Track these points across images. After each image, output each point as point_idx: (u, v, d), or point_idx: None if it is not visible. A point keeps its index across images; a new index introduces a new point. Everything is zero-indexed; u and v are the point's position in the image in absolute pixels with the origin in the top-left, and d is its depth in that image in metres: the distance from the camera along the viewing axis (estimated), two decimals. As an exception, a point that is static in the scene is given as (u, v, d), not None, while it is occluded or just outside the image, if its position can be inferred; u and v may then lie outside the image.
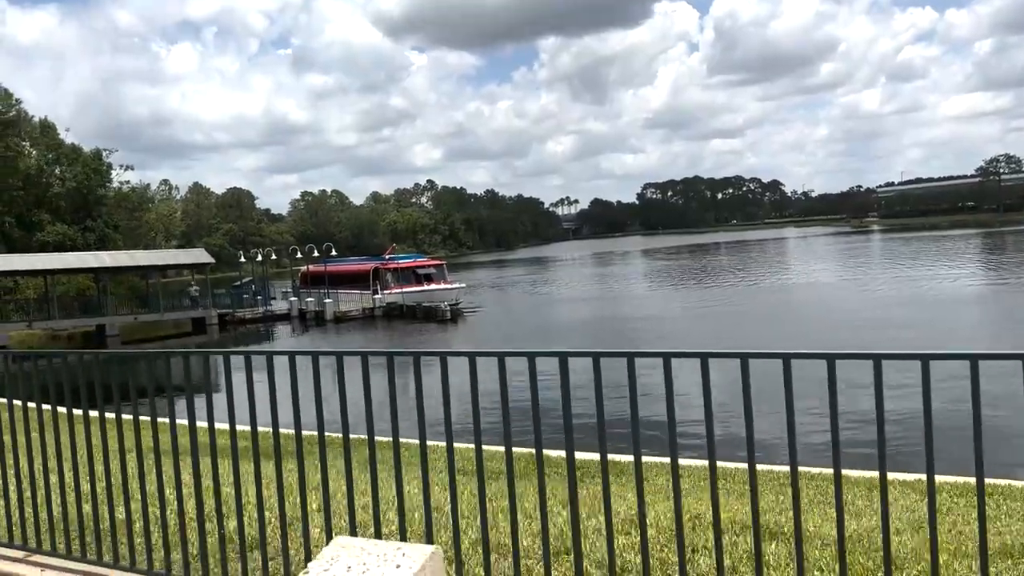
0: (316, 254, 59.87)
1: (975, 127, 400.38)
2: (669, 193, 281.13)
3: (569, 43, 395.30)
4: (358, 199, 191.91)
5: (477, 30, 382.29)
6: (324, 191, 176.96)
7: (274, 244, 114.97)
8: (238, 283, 63.53)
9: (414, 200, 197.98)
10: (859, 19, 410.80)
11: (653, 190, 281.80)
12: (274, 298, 58.62)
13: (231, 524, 4.58)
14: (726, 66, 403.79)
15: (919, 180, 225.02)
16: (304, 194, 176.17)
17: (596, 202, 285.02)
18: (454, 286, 52.86)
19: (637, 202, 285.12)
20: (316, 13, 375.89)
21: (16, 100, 59.35)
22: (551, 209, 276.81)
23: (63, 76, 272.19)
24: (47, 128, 65.42)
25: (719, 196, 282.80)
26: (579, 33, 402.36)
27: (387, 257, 58.60)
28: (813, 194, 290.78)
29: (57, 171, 65.97)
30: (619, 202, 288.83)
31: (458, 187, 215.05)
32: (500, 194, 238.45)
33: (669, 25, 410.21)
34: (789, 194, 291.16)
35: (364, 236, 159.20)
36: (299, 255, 59.04)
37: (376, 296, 52.58)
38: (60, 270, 50.48)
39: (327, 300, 52.32)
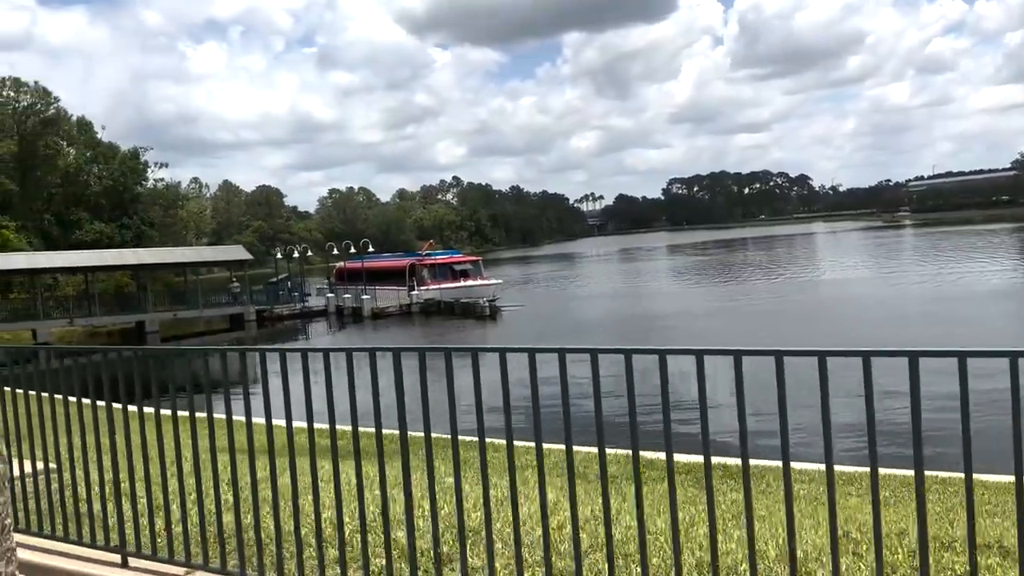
0: (353, 250, 59.87)
1: (1006, 120, 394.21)
2: (695, 188, 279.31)
3: (592, 38, 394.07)
4: (383, 196, 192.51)
5: (500, 27, 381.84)
6: (352, 188, 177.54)
7: (302, 241, 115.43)
8: (273, 280, 63.71)
9: (440, 197, 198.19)
10: (886, 11, 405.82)
11: (679, 185, 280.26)
12: (308, 294, 58.77)
13: (399, 534, 4.20)
14: (751, 60, 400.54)
15: (951, 174, 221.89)
16: (332, 191, 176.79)
17: (621, 198, 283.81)
18: (491, 282, 52.64)
19: (662, 198, 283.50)
20: (340, 11, 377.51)
21: (54, 98, 59.86)
22: (576, 205, 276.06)
23: (93, 76, 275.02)
24: (84, 127, 65.96)
25: (746, 191, 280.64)
26: (602, 28, 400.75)
27: (423, 253, 58.49)
28: (841, 189, 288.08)
29: (95, 169, 66.54)
30: (644, 198, 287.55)
31: (483, 183, 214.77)
32: (525, 190, 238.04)
33: (693, 19, 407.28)
34: (817, 189, 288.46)
35: (391, 233, 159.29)
36: (335, 251, 59.02)
37: (413, 292, 52.47)
38: (100, 267, 50.85)
39: (364, 296, 52.31)
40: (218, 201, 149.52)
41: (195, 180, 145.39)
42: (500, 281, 53.72)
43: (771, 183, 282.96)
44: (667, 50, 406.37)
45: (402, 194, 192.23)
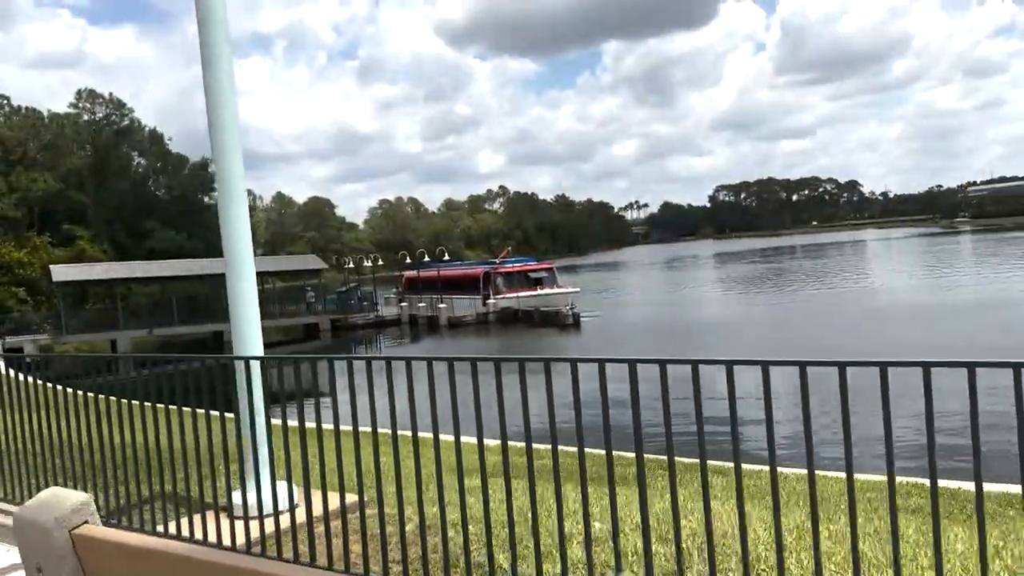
0: (427, 259, 59.25)
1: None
2: (742, 195, 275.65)
3: (633, 46, 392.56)
4: (427, 206, 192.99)
5: (538, 37, 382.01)
6: (400, 198, 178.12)
7: (353, 252, 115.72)
8: (342, 289, 63.36)
9: (487, 206, 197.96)
10: (933, 14, 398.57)
11: (725, 192, 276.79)
12: (377, 304, 58.23)
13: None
14: (794, 65, 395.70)
15: (1008, 178, 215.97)
16: (382, 202, 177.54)
17: (666, 206, 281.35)
18: (569, 290, 51.51)
19: (708, 205, 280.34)
20: (381, 24, 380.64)
21: (128, 109, 60.23)
22: (620, 213, 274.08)
23: (142, 91, 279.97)
24: (156, 138, 66.32)
25: (794, 198, 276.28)
26: (643, 36, 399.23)
27: (499, 261, 57.58)
28: (891, 194, 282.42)
29: (163, 179, 66.91)
30: (690, 205, 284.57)
31: (529, 192, 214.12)
32: (570, 199, 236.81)
33: (735, 25, 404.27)
34: (867, 194, 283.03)
35: (440, 242, 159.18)
36: (408, 260, 58.46)
37: (490, 301, 51.53)
38: (178, 276, 50.76)
39: (441, 305, 51.54)
40: (271, 212, 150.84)
41: (249, 192, 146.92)
42: (578, 289, 52.56)
43: (820, 189, 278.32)
44: (709, 57, 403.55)
45: (449, 203, 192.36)
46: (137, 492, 5.60)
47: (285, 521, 5.05)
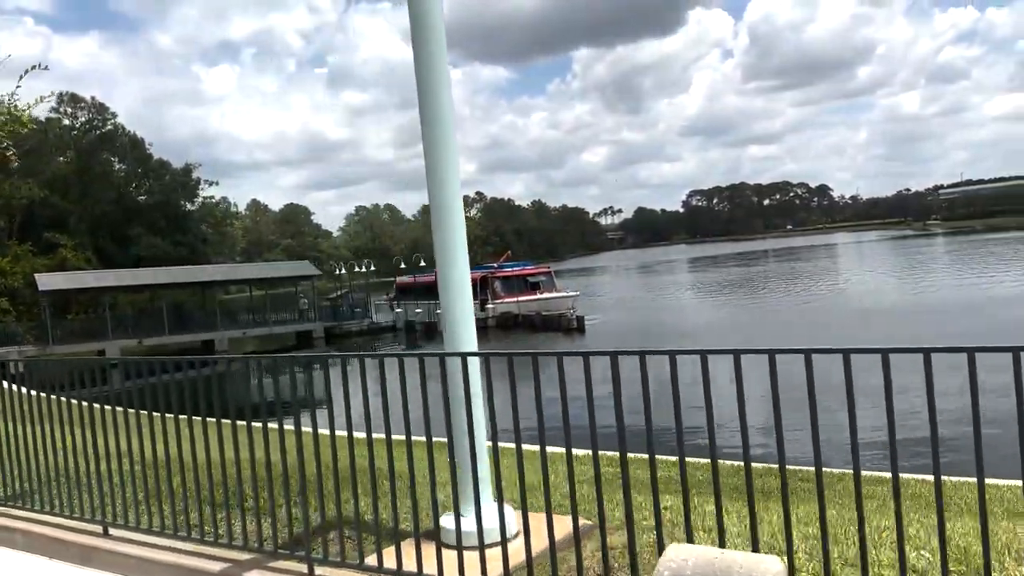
0: (423, 264, 58.35)
1: (1022, 127, 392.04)
2: (715, 200, 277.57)
3: (602, 53, 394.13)
4: (405, 213, 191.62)
5: (509, 44, 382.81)
6: (377, 205, 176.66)
7: (330, 258, 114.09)
8: (332, 296, 62.21)
9: (464, 212, 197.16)
10: (897, 20, 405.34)
11: (698, 198, 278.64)
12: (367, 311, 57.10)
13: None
14: (762, 72, 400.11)
15: (975, 181, 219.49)
16: (358, 208, 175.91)
17: (640, 211, 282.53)
18: (569, 294, 50.90)
19: (681, 210, 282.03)
20: (351, 31, 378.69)
21: (111, 114, 58.59)
22: (595, 219, 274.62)
23: (109, 99, 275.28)
24: (136, 143, 64.72)
25: (765, 202, 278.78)
26: (612, 43, 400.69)
27: (496, 265, 56.82)
28: (860, 198, 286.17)
29: (147, 185, 65.36)
30: (663, 210, 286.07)
31: (506, 199, 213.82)
32: (546, 204, 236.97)
33: (703, 32, 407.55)
34: (836, 199, 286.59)
35: (419, 249, 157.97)
36: (403, 266, 57.55)
37: (488, 306, 50.71)
38: (169, 284, 49.39)
39: (439, 311, 50.49)
40: (246, 220, 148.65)
41: (224, 199, 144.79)
42: (578, 293, 51.94)
43: (791, 194, 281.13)
44: (678, 63, 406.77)
45: (426, 210, 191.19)
46: (304, 518, 4.82)
47: (511, 552, 4.27)
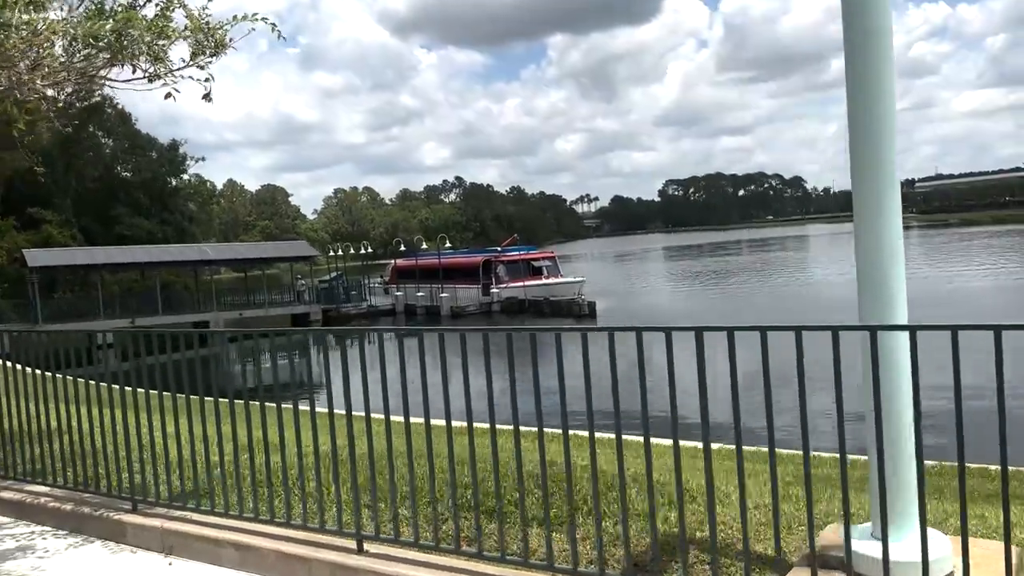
0: (424, 246, 56.97)
1: (990, 123, 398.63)
2: (691, 190, 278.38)
3: (577, 40, 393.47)
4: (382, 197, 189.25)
5: (484, 28, 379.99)
6: (355, 188, 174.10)
7: (312, 242, 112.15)
8: (326, 278, 60.54)
9: (441, 197, 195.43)
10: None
11: (675, 187, 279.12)
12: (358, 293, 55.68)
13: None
14: (736, 63, 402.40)
15: (945, 176, 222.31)
16: (336, 191, 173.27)
17: (616, 199, 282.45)
18: (576, 279, 49.86)
19: (658, 199, 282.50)
20: (323, 11, 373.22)
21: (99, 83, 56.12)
22: (571, 207, 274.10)
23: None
24: (124, 117, 62.34)
25: (740, 193, 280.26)
26: (587, 30, 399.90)
27: (501, 249, 55.58)
28: (832, 191, 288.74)
29: (132, 161, 63.09)
30: (639, 199, 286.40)
31: (485, 184, 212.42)
32: (524, 190, 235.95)
33: (678, 22, 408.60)
34: (810, 190, 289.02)
35: (398, 233, 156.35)
36: (402, 247, 56.18)
37: (493, 290, 49.52)
38: (164, 263, 47.53)
39: (443, 294, 49.33)
40: (219, 199, 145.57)
41: (198, 176, 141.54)
42: (584, 279, 50.88)
43: (765, 185, 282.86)
44: (652, 53, 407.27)
45: (405, 194, 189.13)
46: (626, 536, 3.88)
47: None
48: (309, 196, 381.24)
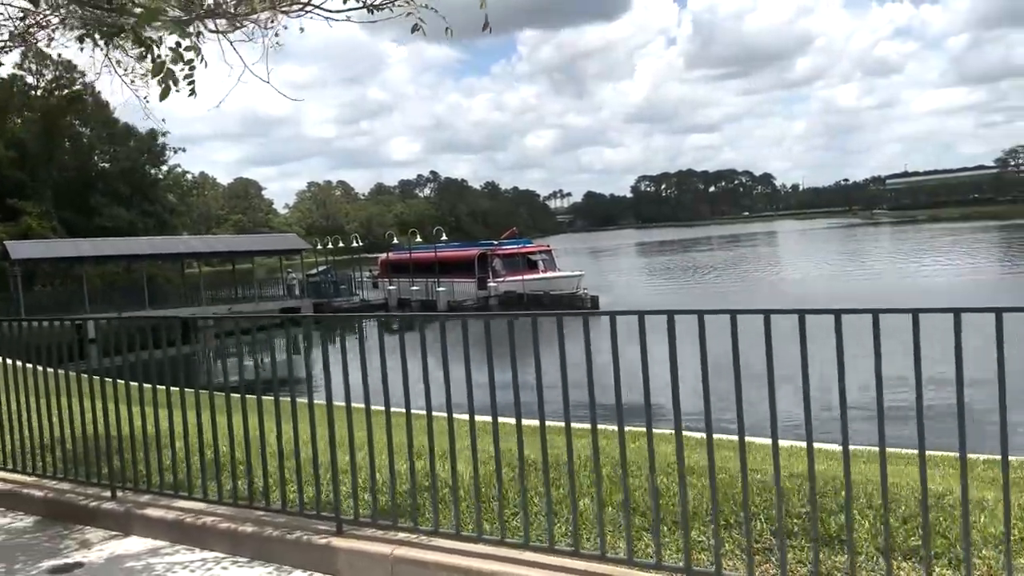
0: (419, 239, 55.92)
1: (952, 121, 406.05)
2: (663, 186, 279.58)
3: (548, 36, 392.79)
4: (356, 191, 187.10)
5: (454, 22, 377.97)
6: (329, 182, 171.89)
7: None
8: (313, 272, 59.23)
9: (416, 191, 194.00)
10: (836, 13, 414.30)
11: (647, 183, 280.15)
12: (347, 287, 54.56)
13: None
14: (705, 60, 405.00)
15: (911, 173, 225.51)
16: (310, 184, 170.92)
17: (589, 195, 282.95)
18: (575, 273, 49.24)
19: (630, 195, 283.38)
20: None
21: (80, 72, 54.18)
22: (545, 202, 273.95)
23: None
24: (101, 105, 60.38)
25: (711, 189, 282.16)
26: (557, 26, 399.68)
27: (498, 242, 54.69)
28: (801, 188, 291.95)
29: (111, 151, 61.23)
30: (612, 195, 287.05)
31: (459, 179, 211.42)
32: (498, 185, 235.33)
33: (648, 19, 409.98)
34: (779, 187, 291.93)
35: (374, 227, 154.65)
36: (395, 240, 55.15)
37: (490, 284, 48.68)
38: (153, 255, 46.02)
39: (440, 289, 48.35)
40: (197, 192, 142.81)
41: (178, 168, 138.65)
42: (583, 272, 50.24)
43: (736, 182, 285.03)
44: (622, 49, 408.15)
45: (379, 188, 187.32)
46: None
47: None
48: (279, 190, 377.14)
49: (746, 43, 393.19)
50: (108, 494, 5.67)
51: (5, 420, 6.34)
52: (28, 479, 6.19)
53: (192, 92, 4.46)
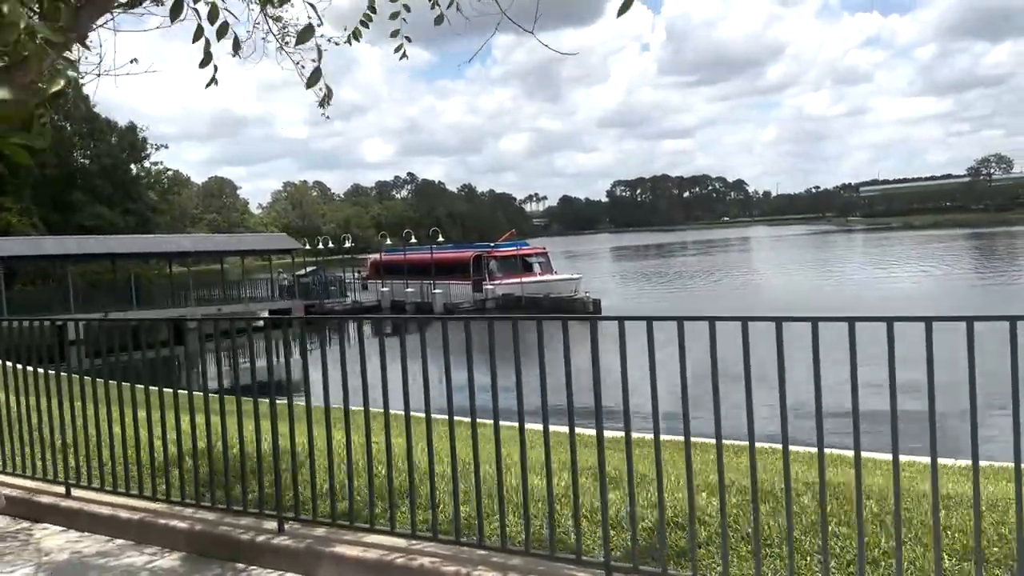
0: (413, 240, 54.90)
1: (919, 130, 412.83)
2: (638, 191, 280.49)
3: (522, 40, 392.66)
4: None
5: (428, 24, 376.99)
6: (305, 182, 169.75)
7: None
8: (302, 272, 57.94)
9: (394, 193, 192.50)
10: (807, 22, 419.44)
11: (622, 188, 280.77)
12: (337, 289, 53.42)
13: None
14: (678, 67, 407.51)
15: (881, 181, 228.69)
16: (286, 184, 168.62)
17: (565, 199, 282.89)
18: (573, 276, 48.58)
19: (606, 199, 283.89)
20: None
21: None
22: (520, 205, 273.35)
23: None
24: (81, 98, 58.52)
25: (685, 194, 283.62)
26: (532, 29, 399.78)
27: (494, 245, 53.82)
28: (773, 194, 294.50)
29: (92, 147, 59.43)
30: (587, 199, 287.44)
31: (437, 181, 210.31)
32: (475, 188, 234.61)
33: (621, 25, 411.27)
34: (751, 194, 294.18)
35: (350, 229, 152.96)
36: (388, 240, 54.18)
37: (487, 287, 47.84)
38: (141, 254, 44.54)
39: (436, 291, 47.40)
40: (177, 189, 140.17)
41: (157, 163, 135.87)
42: (581, 276, 49.60)
43: (709, 187, 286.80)
44: (596, 55, 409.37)
45: (356, 189, 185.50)
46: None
47: None
48: (251, 190, 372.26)
49: (719, 50, 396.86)
50: (273, 525, 4.78)
51: (131, 436, 5.42)
52: (159, 507, 5.28)
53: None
